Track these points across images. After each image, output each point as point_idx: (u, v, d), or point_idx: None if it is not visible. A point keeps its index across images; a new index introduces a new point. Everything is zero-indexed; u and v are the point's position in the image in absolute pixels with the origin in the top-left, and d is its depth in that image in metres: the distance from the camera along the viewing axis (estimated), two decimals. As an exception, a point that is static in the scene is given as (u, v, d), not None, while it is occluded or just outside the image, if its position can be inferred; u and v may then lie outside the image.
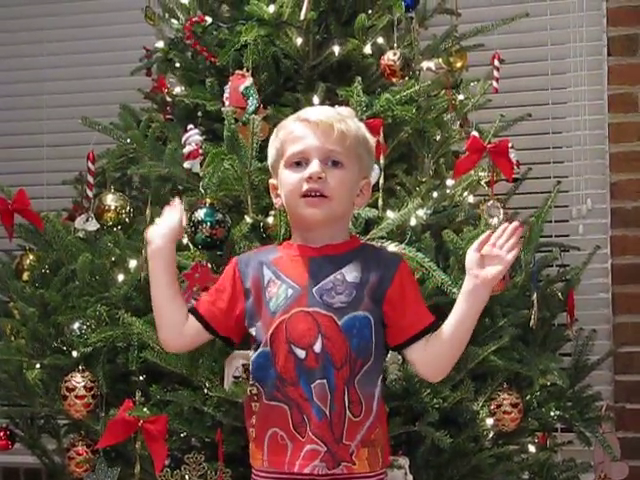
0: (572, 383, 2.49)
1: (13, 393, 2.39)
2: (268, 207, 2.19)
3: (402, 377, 2.10)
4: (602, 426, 2.58)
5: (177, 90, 2.58)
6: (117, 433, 2.08)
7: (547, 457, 2.49)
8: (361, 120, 2.07)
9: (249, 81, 2.33)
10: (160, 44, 2.73)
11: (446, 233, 2.26)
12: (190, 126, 2.31)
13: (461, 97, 2.63)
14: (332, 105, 2.05)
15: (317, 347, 1.67)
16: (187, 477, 2.09)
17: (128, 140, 2.45)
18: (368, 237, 2.12)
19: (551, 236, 3.05)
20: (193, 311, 1.78)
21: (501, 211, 2.41)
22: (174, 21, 2.67)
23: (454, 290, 2.03)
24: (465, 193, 2.47)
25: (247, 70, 2.37)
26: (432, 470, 2.23)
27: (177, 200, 1.88)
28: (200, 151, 2.26)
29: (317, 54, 2.50)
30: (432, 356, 1.73)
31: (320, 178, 1.69)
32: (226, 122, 2.20)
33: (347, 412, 1.67)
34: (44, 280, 2.41)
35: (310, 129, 1.72)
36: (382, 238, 2.13)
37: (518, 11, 2.87)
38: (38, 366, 2.31)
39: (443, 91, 2.59)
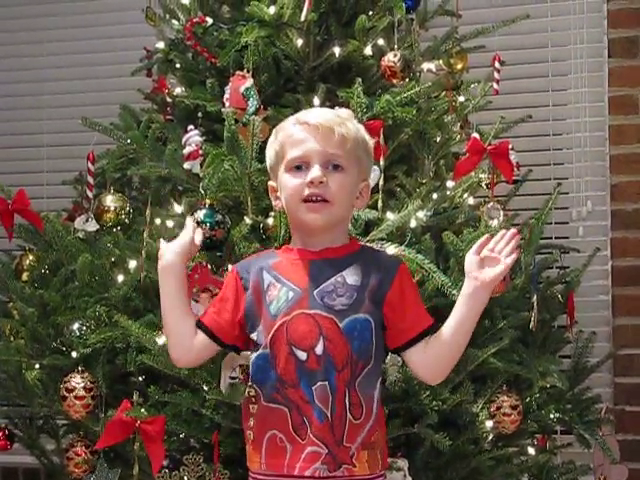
0: (572, 385, 2.49)
1: (12, 393, 2.39)
2: (268, 208, 2.18)
3: (401, 379, 2.10)
4: (602, 428, 2.58)
5: (177, 91, 2.58)
6: (115, 434, 2.08)
7: (546, 459, 2.49)
8: (361, 121, 2.08)
9: (249, 82, 2.33)
10: (161, 45, 2.73)
11: (446, 235, 2.26)
12: (190, 127, 2.31)
13: (461, 99, 2.63)
14: (332, 106, 2.05)
15: (318, 349, 1.67)
16: (186, 478, 2.09)
17: (128, 141, 2.44)
18: (368, 239, 2.12)
19: (551, 238, 3.05)
20: (199, 324, 1.78)
21: (501, 213, 2.41)
22: (175, 22, 2.67)
23: (454, 292, 2.03)
24: (465, 195, 2.46)
25: (247, 71, 2.37)
26: (431, 472, 2.23)
27: (189, 220, 1.90)
28: (200, 152, 2.26)
29: (317, 55, 2.50)
30: (432, 358, 1.73)
31: (321, 183, 1.69)
32: (226, 123, 2.20)
33: (348, 414, 1.67)
34: (44, 280, 2.41)
35: (310, 133, 1.71)
36: (382, 240, 2.13)
37: (519, 13, 2.87)
38: (37, 366, 2.30)
39: (443, 93, 2.59)
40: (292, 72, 2.52)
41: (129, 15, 3.30)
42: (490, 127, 2.47)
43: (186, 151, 2.27)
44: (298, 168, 1.72)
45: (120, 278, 2.26)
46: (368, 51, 2.50)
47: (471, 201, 2.48)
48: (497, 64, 2.71)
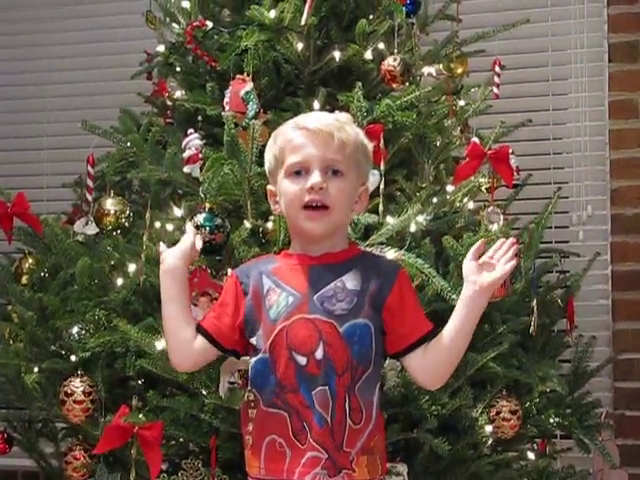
0: (571, 390, 2.49)
1: (11, 396, 2.39)
2: (267, 212, 2.18)
3: (401, 384, 2.10)
4: (601, 433, 2.58)
5: (177, 94, 2.57)
6: (113, 439, 2.08)
7: (546, 464, 2.48)
8: (361, 126, 2.08)
9: (249, 86, 2.33)
10: (161, 48, 2.72)
11: (446, 239, 2.26)
12: (190, 130, 2.30)
13: (462, 103, 2.63)
14: (332, 110, 2.05)
15: (318, 354, 1.67)
16: (184, 482, 2.09)
17: (128, 144, 2.44)
18: (368, 243, 2.12)
19: (551, 242, 3.05)
20: (199, 328, 1.77)
21: (501, 217, 2.40)
22: (175, 25, 2.66)
23: (453, 296, 2.03)
24: (465, 199, 2.46)
25: (247, 75, 2.37)
26: (431, 477, 2.22)
27: (189, 225, 1.91)
28: (200, 155, 2.25)
29: (318, 59, 2.50)
30: (431, 363, 1.73)
31: (322, 189, 1.69)
32: (226, 127, 2.19)
33: (348, 419, 1.67)
34: (43, 284, 2.41)
35: (309, 138, 1.71)
36: (382, 244, 2.13)
37: (519, 17, 2.87)
38: (36, 370, 2.30)
39: (444, 97, 2.59)
40: (292, 76, 2.51)
41: (129, 19, 3.30)
42: (490, 131, 2.47)
43: (186, 155, 2.27)
44: (297, 173, 1.71)
45: (119, 282, 2.26)
46: (368, 55, 2.50)
47: (471, 205, 2.48)
48: (497, 68, 2.72)
